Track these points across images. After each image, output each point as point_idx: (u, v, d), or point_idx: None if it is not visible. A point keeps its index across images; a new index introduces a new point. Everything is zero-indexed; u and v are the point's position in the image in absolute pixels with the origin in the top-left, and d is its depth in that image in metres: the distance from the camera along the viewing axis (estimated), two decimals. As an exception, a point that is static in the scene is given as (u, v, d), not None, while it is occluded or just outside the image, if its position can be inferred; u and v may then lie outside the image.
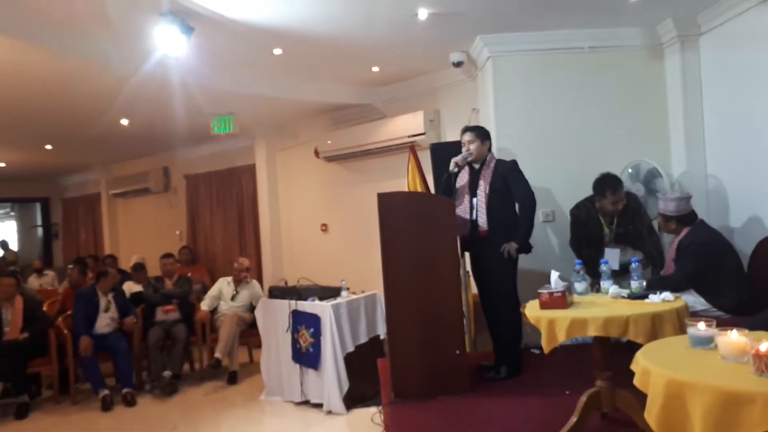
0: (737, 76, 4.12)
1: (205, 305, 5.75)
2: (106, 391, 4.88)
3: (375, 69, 5.44)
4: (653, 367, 1.63)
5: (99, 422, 4.62)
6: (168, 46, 3.66)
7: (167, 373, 5.16)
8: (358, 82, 6.00)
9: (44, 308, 5.47)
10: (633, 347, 3.68)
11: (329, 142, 6.54)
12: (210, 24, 3.92)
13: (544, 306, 2.64)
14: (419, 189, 4.73)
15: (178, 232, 8.98)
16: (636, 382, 1.72)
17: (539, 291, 2.66)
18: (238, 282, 5.90)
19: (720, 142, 4.36)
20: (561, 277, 2.77)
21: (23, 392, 4.83)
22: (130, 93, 5.06)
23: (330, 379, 4.27)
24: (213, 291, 5.92)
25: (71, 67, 4.52)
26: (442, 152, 4.38)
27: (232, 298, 5.82)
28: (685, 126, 4.50)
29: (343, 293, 4.65)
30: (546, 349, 2.51)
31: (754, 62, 3.93)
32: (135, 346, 5.38)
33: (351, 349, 4.40)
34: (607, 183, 3.88)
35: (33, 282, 8.20)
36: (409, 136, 5.68)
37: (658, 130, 4.66)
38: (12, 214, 14.76)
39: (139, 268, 6.67)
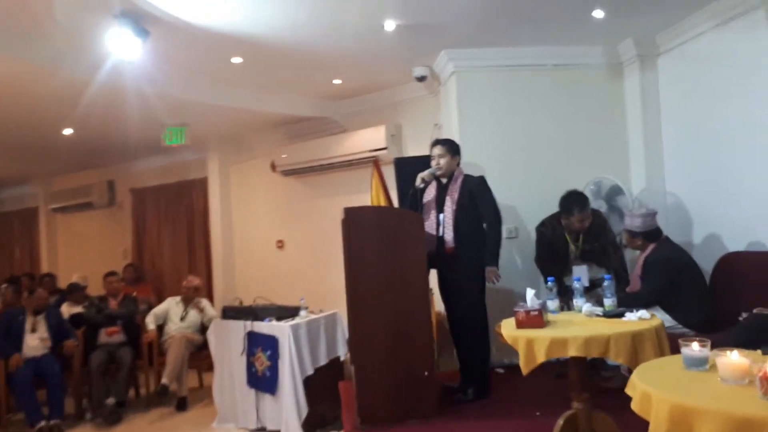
0: (694, 96, 4.21)
1: (150, 322, 5.40)
2: (43, 423, 4.47)
3: (336, 81, 5.32)
4: (654, 392, 1.53)
5: (32, 456, 4.24)
6: (121, 49, 3.42)
7: (111, 401, 4.78)
8: (317, 95, 5.86)
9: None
10: (596, 365, 3.68)
11: (284, 156, 6.36)
12: (166, 28, 3.71)
13: (520, 325, 2.54)
14: (383, 204, 4.60)
15: (122, 249, 8.52)
16: (635, 406, 1.62)
17: (515, 309, 2.56)
18: (187, 302, 5.59)
19: (678, 159, 4.44)
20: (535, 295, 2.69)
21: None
22: (77, 99, 4.74)
23: (288, 404, 4.05)
24: (159, 309, 5.56)
25: (11, 70, 4.18)
26: (407, 167, 4.28)
27: (182, 319, 5.49)
28: (644, 144, 4.57)
29: (302, 313, 4.45)
30: (524, 371, 2.40)
31: (710, 82, 4.03)
32: (76, 371, 4.99)
33: (310, 371, 4.20)
34: (574, 200, 3.86)
35: (-39, 302, 7.57)
36: (370, 151, 5.56)
37: (618, 147, 4.72)
38: (-62, 229, 13.80)
39: (76, 288, 6.24)
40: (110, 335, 5.24)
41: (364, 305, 3.31)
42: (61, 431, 4.52)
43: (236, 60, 4.54)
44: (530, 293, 2.67)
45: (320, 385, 4.22)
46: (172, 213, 7.93)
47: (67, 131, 6.16)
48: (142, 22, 3.42)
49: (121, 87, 4.50)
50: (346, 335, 4.50)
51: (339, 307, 4.73)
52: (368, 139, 5.62)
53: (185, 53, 4.33)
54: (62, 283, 7.61)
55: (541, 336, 2.39)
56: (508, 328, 2.56)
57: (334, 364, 4.49)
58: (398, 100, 5.69)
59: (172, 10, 3.51)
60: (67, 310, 5.75)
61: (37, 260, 9.92)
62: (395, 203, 4.60)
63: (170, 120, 5.81)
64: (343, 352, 4.53)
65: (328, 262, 6.06)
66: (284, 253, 6.73)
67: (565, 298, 3.20)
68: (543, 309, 2.62)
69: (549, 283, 2.95)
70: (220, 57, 4.47)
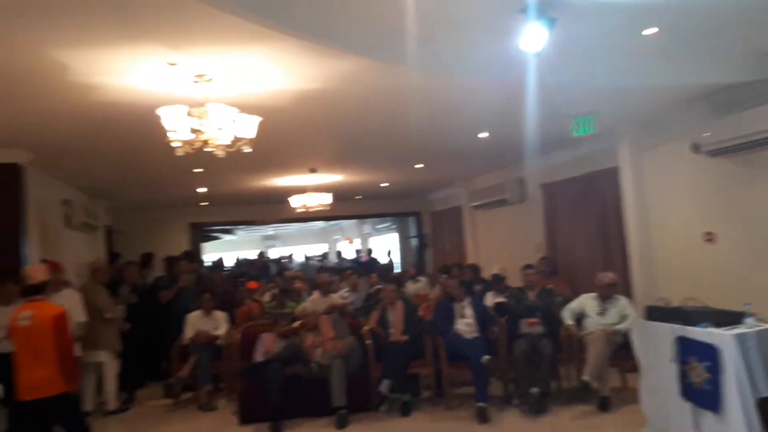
0: None
1: (567, 317, 5.39)
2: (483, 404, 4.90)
3: (782, 31, 4.23)
4: None
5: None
6: (528, 43, 3.41)
7: (534, 390, 4.93)
8: (751, 54, 4.79)
9: (419, 313, 5.93)
10: None
11: (708, 133, 5.42)
12: (571, 11, 3.53)
13: None
14: None
15: (535, 243, 8.83)
16: None
17: None
18: (604, 298, 5.33)
19: None
20: None
21: (405, 391, 5.25)
22: (487, 101, 5.04)
23: (737, 427, 3.39)
24: (573, 305, 5.50)
25: (431, 82, 4.55)
26: None
27: (600, 315, 5.27)
28: None
29: (748, 320, 3.68)
30: None
31: None
32: (501, 356, 5.34)
33: (765, 392, 3.41)
34: None
35: (409, 287, 9.11)
36: (840, 111, 4.22)
37: None
38: (393, 226, 17.33)
39: (498, 279, 6.71)
40: (530, 326, 5.41)
41: None
42: (486, 415, 4.82)
43: (649, 31, 4.06)
44: None
45: (780, 411, 3.40)
46: (582, 205, 7.78)
47: (483, 134, 6.69)
48: (548, 10, 3.33)
49: (526, 83, 4.51)
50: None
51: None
52: (836, 96, 4.28)
53: (591, 35, 4.08)
54: (485, 274, 8.38)
55: None
56: None
57: (800, 388, 3.55)
58: None
59: (580, -9, 3.33)
60: (491, 298, 6.25)
61: (463, 252, 11.25)
62: None
63: (575, 111, 5.67)
64: (813, 374, 3.54)
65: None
66: (716, 247, 5.75)
67: None
68: None
69: None
70: (631, 31, 4.06)
